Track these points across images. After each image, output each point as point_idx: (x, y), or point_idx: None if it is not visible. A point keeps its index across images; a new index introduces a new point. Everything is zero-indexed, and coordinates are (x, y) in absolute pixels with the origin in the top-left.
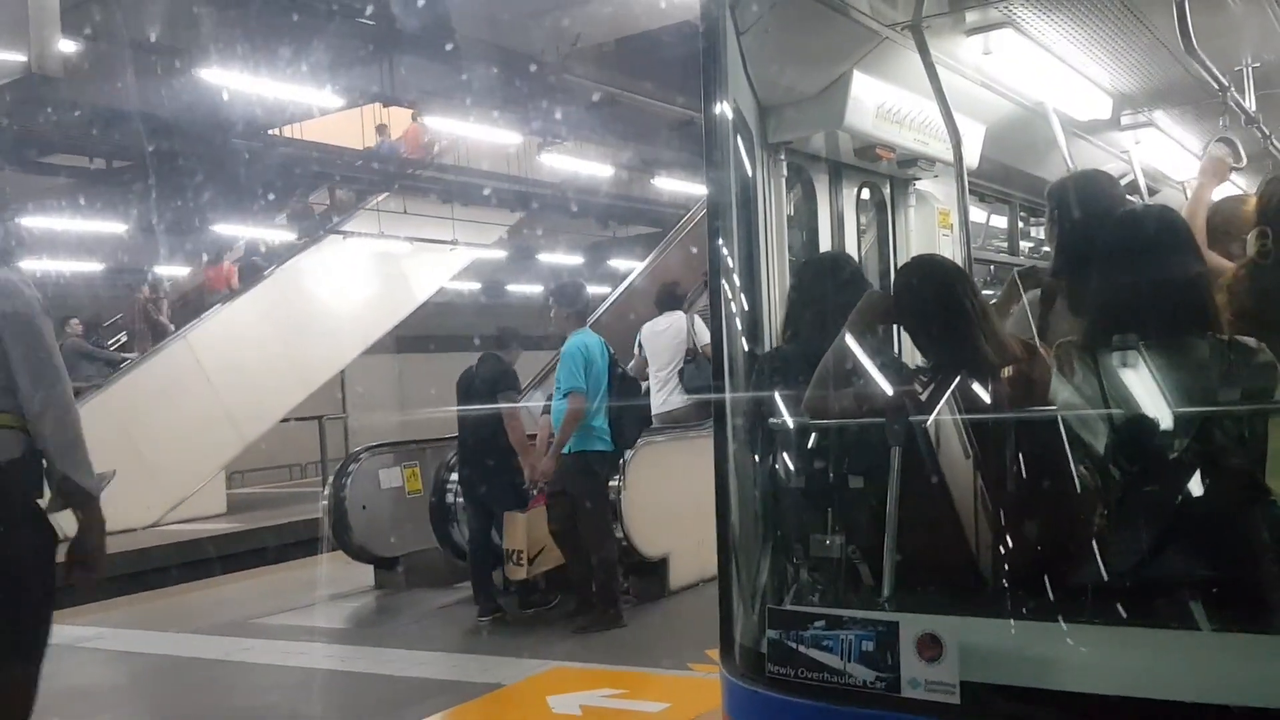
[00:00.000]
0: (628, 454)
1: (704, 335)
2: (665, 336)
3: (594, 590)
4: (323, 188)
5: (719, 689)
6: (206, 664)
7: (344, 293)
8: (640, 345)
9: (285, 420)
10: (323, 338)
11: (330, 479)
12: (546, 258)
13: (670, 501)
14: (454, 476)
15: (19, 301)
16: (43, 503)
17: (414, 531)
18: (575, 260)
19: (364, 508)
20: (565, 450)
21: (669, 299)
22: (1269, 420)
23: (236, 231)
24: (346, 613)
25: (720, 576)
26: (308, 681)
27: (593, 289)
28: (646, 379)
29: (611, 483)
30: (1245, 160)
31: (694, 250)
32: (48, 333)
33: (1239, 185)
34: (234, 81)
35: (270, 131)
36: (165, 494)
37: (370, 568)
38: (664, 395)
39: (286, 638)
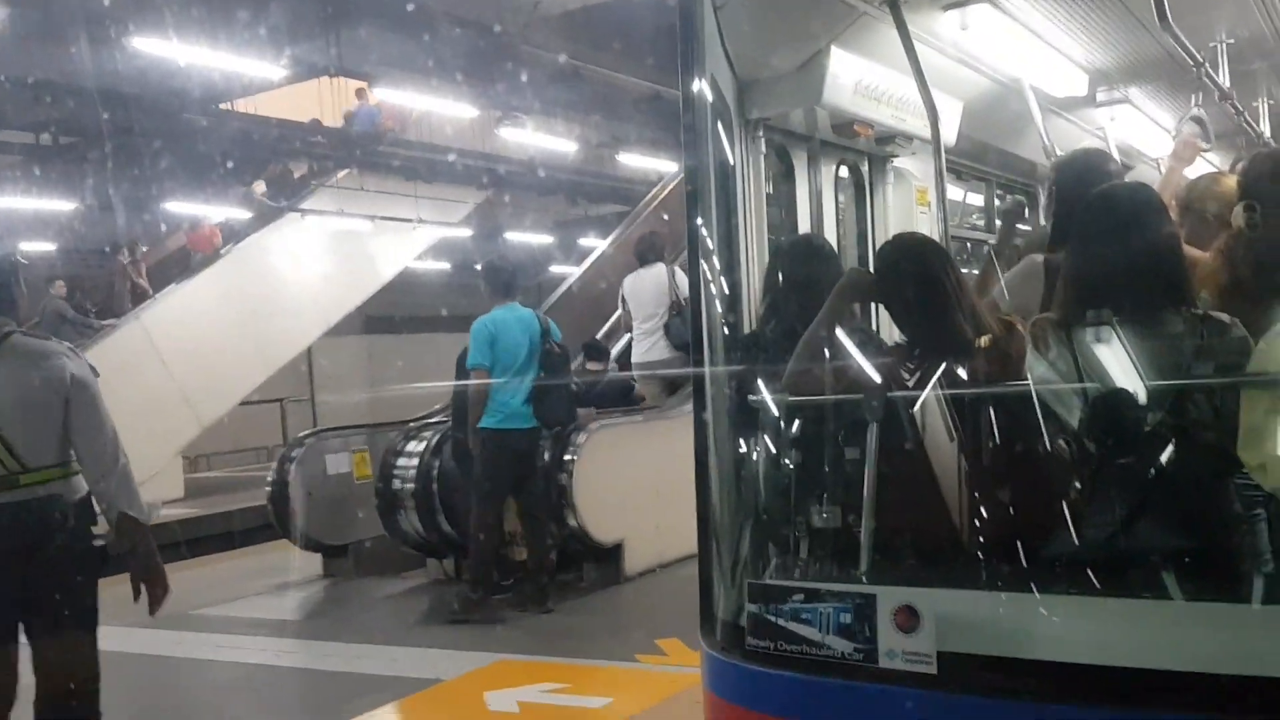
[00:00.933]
0: (580, 437)
1: (686, 287)
2: (647, 288)
3: (528, 570)
4: (289, 163)
5: (664, 682)
6: (133, 660)
7: (304, 271)
8: (623, 299)
9: (245, 403)
10: (283, 318)
11: (274, 465)
12: (515, 235)
13: (625, 486)
14: (401, 462)
15: (83, 368)
16: (96, 529)
17: (364, 519)
18: (544, 238)
19: (309, 494)
20: (479, 427)
21: (649, 251)
22: (1241, 394)
23: (204, 203)
24: (289, 604)
25: (700, 552)
26: (236, 679)
27: (561, 268)
28: (631, 331)
29: (570, 458)
30: (1213, 140)
31: (665, 217)
32: (99, 394)
33: (1211, 162)
34: (188, 54)
35: (222, 106)
36: None
37: (320, 556)
38: (646, 345)
39: (223, 630)
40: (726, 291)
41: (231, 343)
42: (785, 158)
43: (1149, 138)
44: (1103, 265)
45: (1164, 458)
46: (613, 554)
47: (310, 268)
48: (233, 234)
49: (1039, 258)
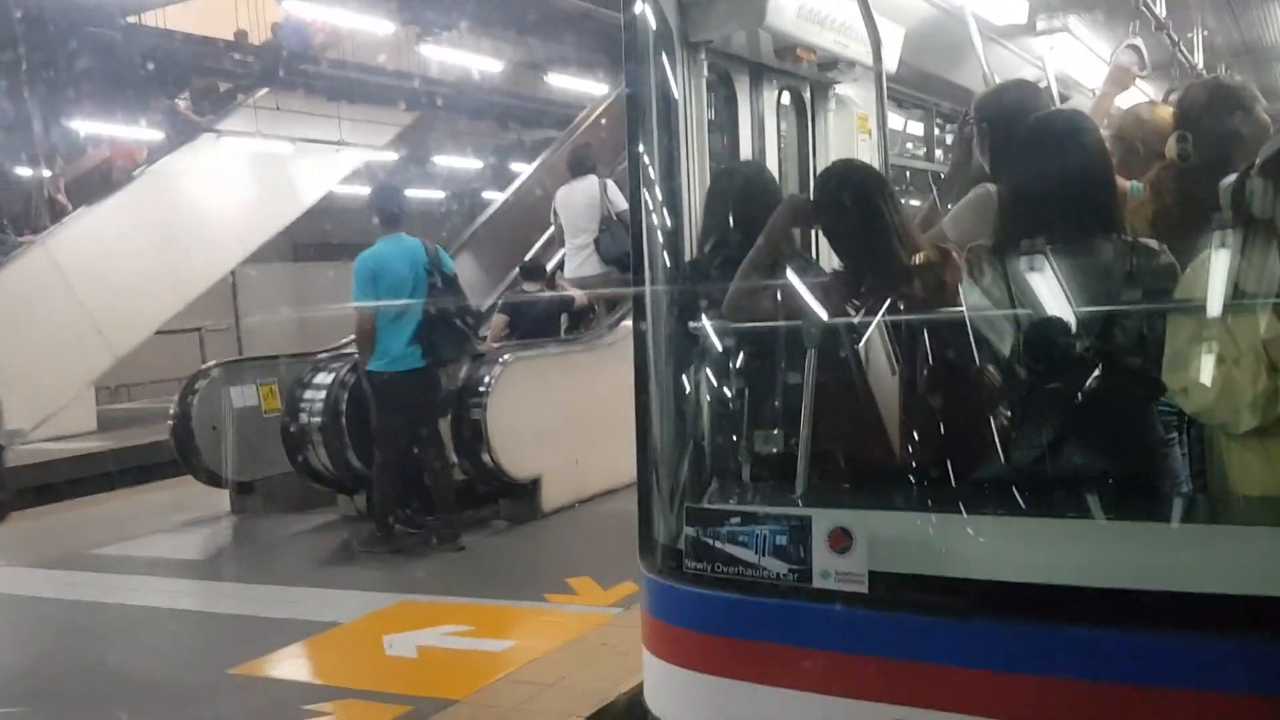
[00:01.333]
0: (494, 370)
1: (618, 201)
2: (579, 202)
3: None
4: (214, 80)
5: (571, 623)
6: (23, 602)
7: (221, 196)
8: (555, 213)
9: (165, 332)
10: (200, 244)
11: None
12: (444, 160)
13: (542, 421)
14: (309, 395)
15: None
16: None
17: (273, 454)
18: (474, 163)
19: (214, 428)
20: (368, 370)
21: (581, 163)
22: (1167, 321)
23: (124, 121)
24: (191, 542)
25: (639, 477)
26: (124, 622)
27: (493, 194)
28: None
29: (483, 391)
30: (1149, 68)
31: (603, 122)
32: None
33: (1145, 91)
34: None
35: (130, 19)
36: (26, 410)
37: (227, 493)
38: (578, 261)
39: (120, 570)
40: (667, 217)
41: (145, 270)
42: (727, 83)
43: (1088, 68)
44: (1037, 192)
45: (1091, 382)
46: (529, 490)
47: (228, 192)
48: (158, 152)
49: (990, 187)
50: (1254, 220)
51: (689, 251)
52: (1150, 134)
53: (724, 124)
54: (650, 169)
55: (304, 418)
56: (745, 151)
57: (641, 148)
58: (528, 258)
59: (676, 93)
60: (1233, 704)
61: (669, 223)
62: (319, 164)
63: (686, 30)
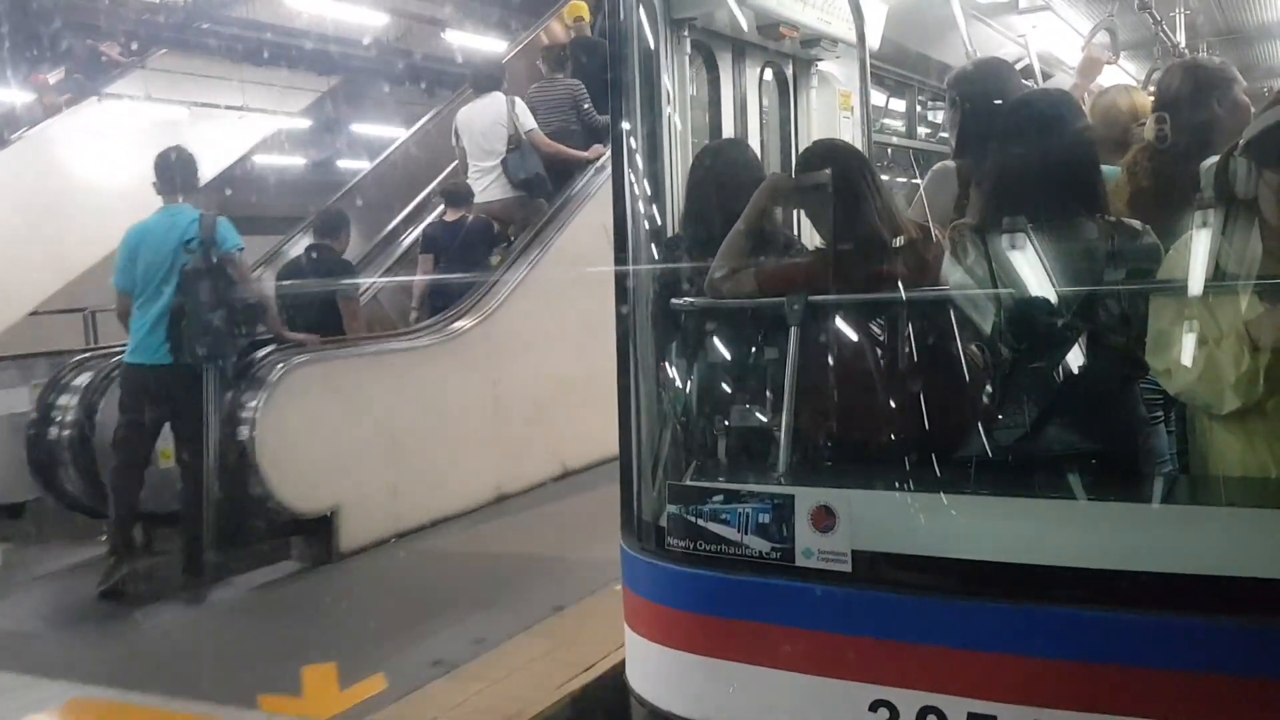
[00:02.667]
0: (271, 376)
1: (526, 119)
2: (483, 121)
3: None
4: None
5: None
6: None
7: (108, 165)
8: (456, 134)
9: (36, 313)
10: (81, 217)
11: None
12: (364, 127)
13: (341, 439)
14: (62, 401)
15: None
16: None
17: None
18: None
19: None
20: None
21: (487, 79)
22: (1150, 301)
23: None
24: None
25: (621, 453)
26: None
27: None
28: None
29: (254, 404)
30: (1119, 54)
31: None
32: None
33: (1126, 70)
34: None
35: None
36: None
37: None
38: (484, 185)
39: None
40: (650, 193)
41: (16, 246)
42: (710, 60)
43: (1070, 46)
44: (1021, 172)
45: (1074, 362)
46: (322, 526)
47: (117, 160)
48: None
49: (951, 164)
50: (1236, 200)
51: (671, 229)
52: (1127, 117)
53: (707, 100)
54: (633, 147)
55: (54, 429)
56: (728, 128)
57: (625, 124)
58: (454, 180)
59: (659, 69)
60: (1214, 684)
61: (651, 199)
62: (221, 131)
63: (670, 6)
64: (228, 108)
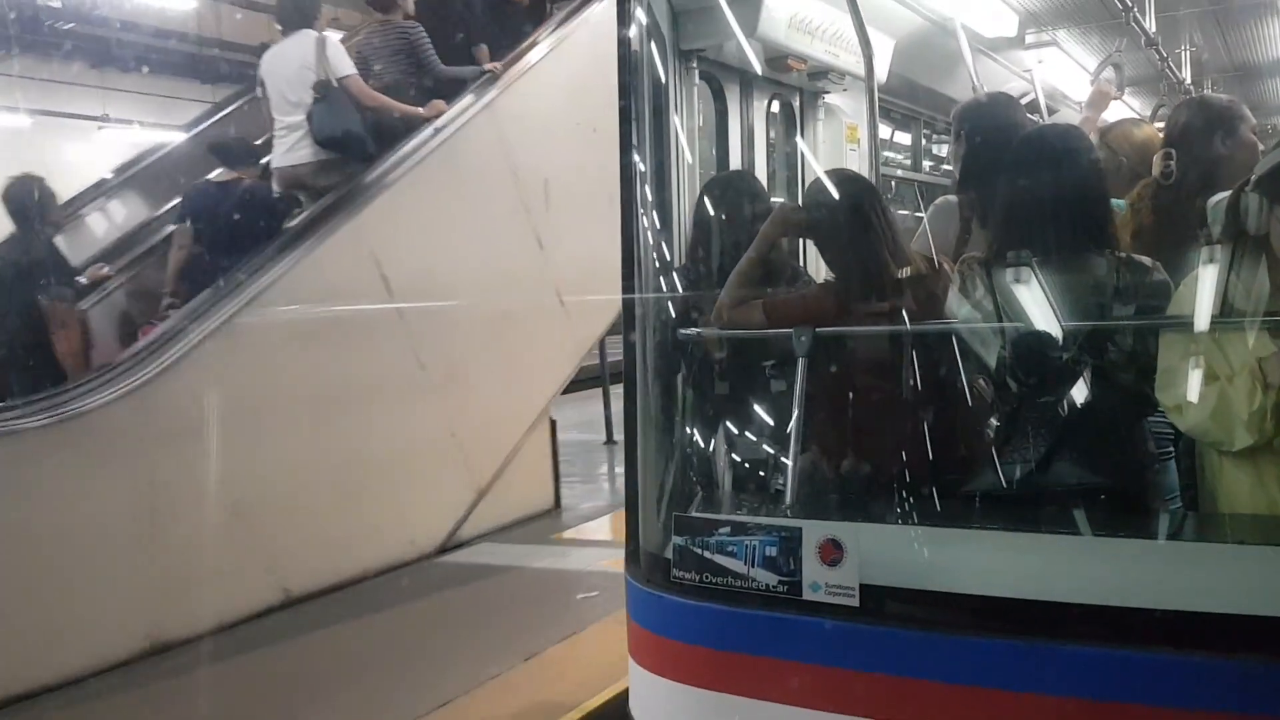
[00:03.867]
0: None
1: (340, 64)
2: (288, 66)
3: None
4: None
5: None
6: None
7: None
8: (261, 83)
9: None
10: None
11: None
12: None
13: None
14: None
15: None
16: None
17: None
18: None
19: None
20: None
21: (294, 12)
22: (1159, 336)
23: None
24: None
25: (627, 483)
26: None
27: None
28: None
29: None
30: (1125, 89)
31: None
32: None
33: (1131, 106)
34: None
35: None
36: None
37: None
38: (287, 145)
39: None
40: (658, 225)
41: None
42: (718, 91)
43: (1075, 81)
44: (1030, 206)
45: (1083, 397)
46: None
47: None
48: None
49: (953, 198)
50: (1247, 236)
51: (679, 259)
52: (1136, 150)
53: (714, 131)
54: (642, 177)
55: None
56: (736, 160)
57: (634, 154)
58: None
59: (668, 100)
60: None
61: (659, 230)
62: (75, 146)
63: (679, 39)
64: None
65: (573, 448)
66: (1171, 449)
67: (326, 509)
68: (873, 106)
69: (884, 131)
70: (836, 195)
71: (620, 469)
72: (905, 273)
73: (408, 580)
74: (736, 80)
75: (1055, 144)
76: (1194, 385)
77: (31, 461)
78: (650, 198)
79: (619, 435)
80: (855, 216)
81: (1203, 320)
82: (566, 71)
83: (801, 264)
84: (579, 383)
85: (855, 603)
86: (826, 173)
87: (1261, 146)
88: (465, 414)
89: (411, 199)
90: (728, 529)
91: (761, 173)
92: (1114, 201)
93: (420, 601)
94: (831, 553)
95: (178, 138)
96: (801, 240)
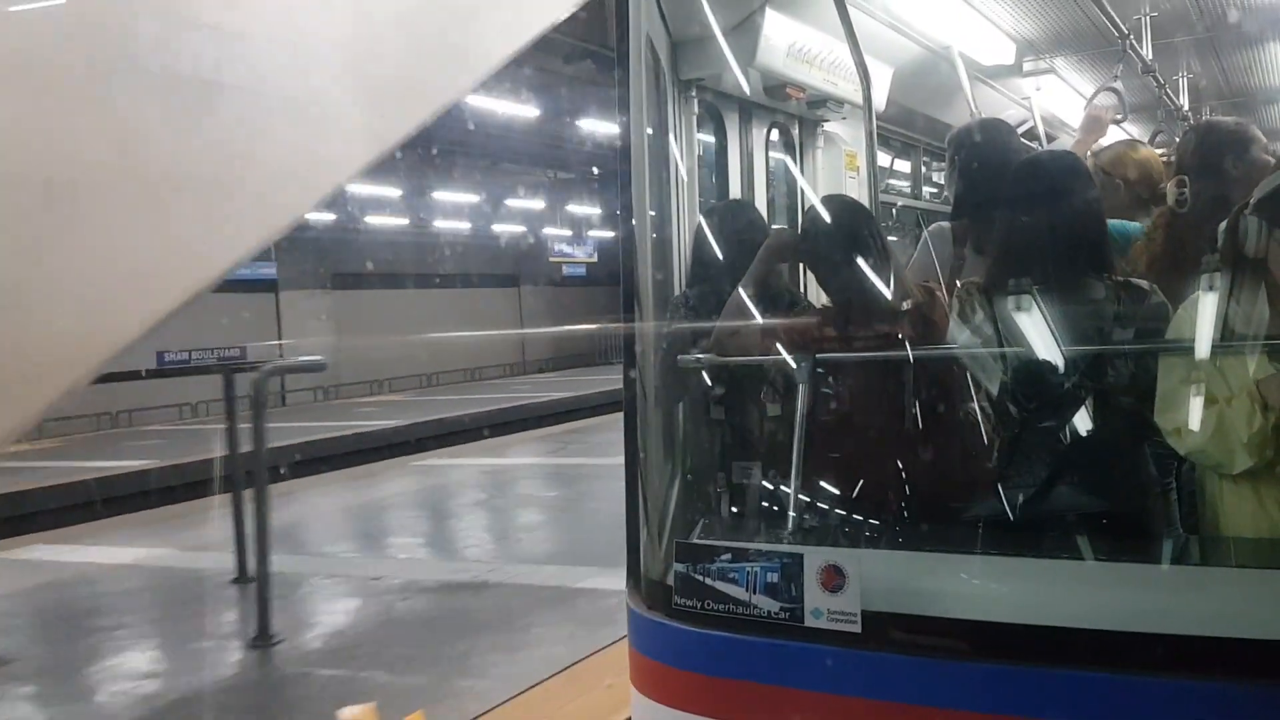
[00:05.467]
0: None
1: None
2: None
3: None
4: None
5: None
6: None
7: None
8: None
9: None
10: None
11: None
12: None
13: None
14: None
15: None
16: None
17: None
18: None
19: None
20: None
21: None
22: (1160, 361)
23: None
24: None
25: (628, 510)
26: None
27: None
28: None
29: None
30: (1127, 113)
31: None
32: None
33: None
34: None
35: None
36: None
37: None
38: None
39: None
40: (658, 249)
41: None
42: (717, 119)
43: (1073, 108)
44: (1029, 232)
45: (1083, 422)
46: None
47: None
48: None
49: (946, 224)
50: (1245, 259)
51: (678, 285)
52: (1137, 172)
53: (713, 159)
54: (641, 203)
55: None
56: (735, 188)
57: (633, 182)
58: None
59: (667, 129)
60: None
61: (659, 257)
62: None
63: (678, 68)
64: None
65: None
66: (1173, 478)
67: None
68: (870, 134)
69: (883, 159)
70: (833, 220)
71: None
72: (900, 299)
73: None
74: (735, 108)
75: (1050, 169)
76: (1193, 409)
77: None
78: (649, 226)
79: (270, 561)
80: (851, 242)
81: (1201, 343)
82: None
83: (801, 290)
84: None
85: (857, 629)
86: (823, 199)
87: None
88: None
89: None
90: (729, 555)
91: (761, 200)
92: (1129, 225)
93: None
94: (833, 579)
95: None
96: (801, 266)
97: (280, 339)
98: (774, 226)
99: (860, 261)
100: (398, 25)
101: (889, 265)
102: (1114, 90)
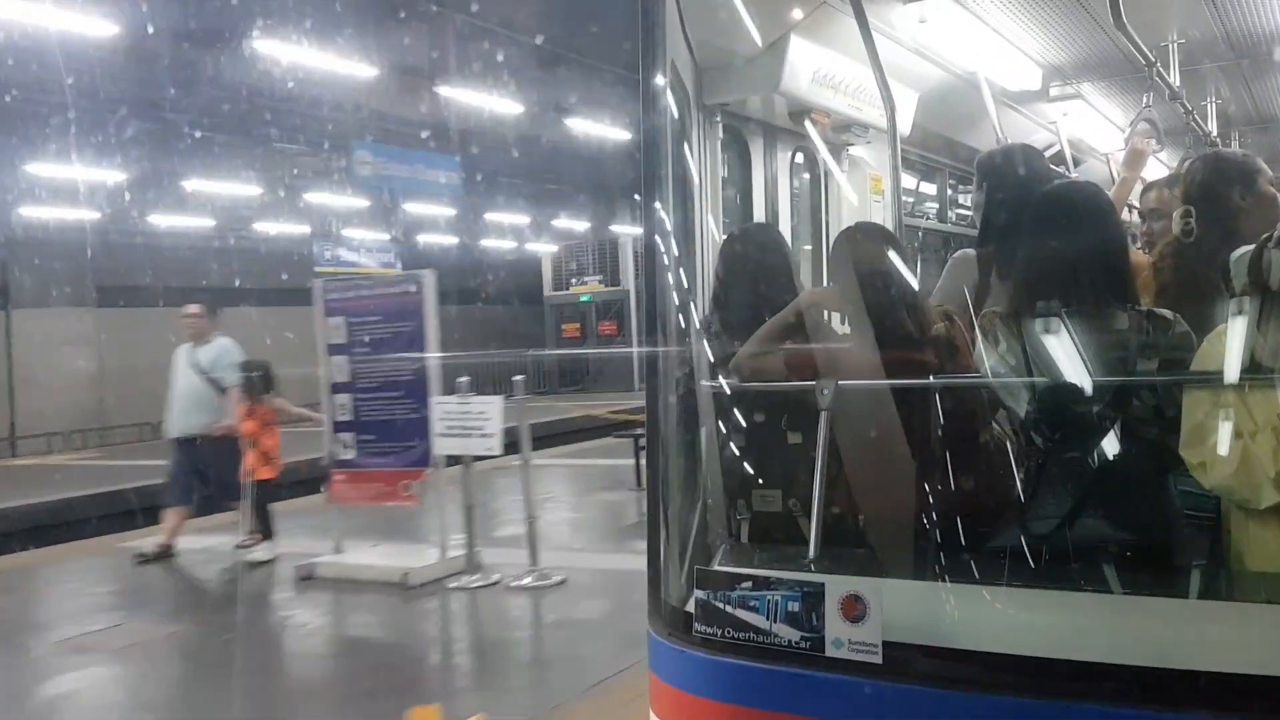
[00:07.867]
0: None
1: None
2: None
3: None
4: None
5: None
6: None
7: None
8: None
9: None
10: None
11: None
12: None
13: None
14: None
15: None
16: None
17: None
18: None
19: None
20: None
21: None
22: (1184, 390)
23: None
24: None
25: (649, 536)
26: None
27: None
28: None
29: None
30: (1164, 141)
31: None
32: None
33: (1163, 162)
34: None
35: None
36: None
37: None
38: None
39: None
40: (681, 277)
41: None
42: (742, 144)
43: (1100, 133)
44: (1053, 261)
45: (1110, 452)
46: None
47: None
48: None
49: (971, 252)
50: (1271, 293)
51: (701, 310)
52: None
53: (738, 183)
54: (665, 227)
55: None
56: (759, 212)
57: (657, 206)
58: None
59: (692, 153)
60: None
61: (682, 282)
62: None
63: (703, 93)
64: None
65: None
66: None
67: None
68: (895, 159)
69: (908, 182)
70: (863, 246)
71: None
72: (925, 325)
73: None
74: (760, 133)
75: (1075, 198)
76: (1219, 442)
77: None
78: (673, 250)
79: None
80: (879, 271)
81: (1227, 376)
82: None
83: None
84: None
85: (878, 660)
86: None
87: None
88: None
89: None
90: (750, 583)
91: (785, 225)
92: None
93: None
94: (854, 609)
95: None
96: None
97: None
98: (803, 248)
99: (886, 289)
100: None
101: (916, 293)
102: (1149, 120)
